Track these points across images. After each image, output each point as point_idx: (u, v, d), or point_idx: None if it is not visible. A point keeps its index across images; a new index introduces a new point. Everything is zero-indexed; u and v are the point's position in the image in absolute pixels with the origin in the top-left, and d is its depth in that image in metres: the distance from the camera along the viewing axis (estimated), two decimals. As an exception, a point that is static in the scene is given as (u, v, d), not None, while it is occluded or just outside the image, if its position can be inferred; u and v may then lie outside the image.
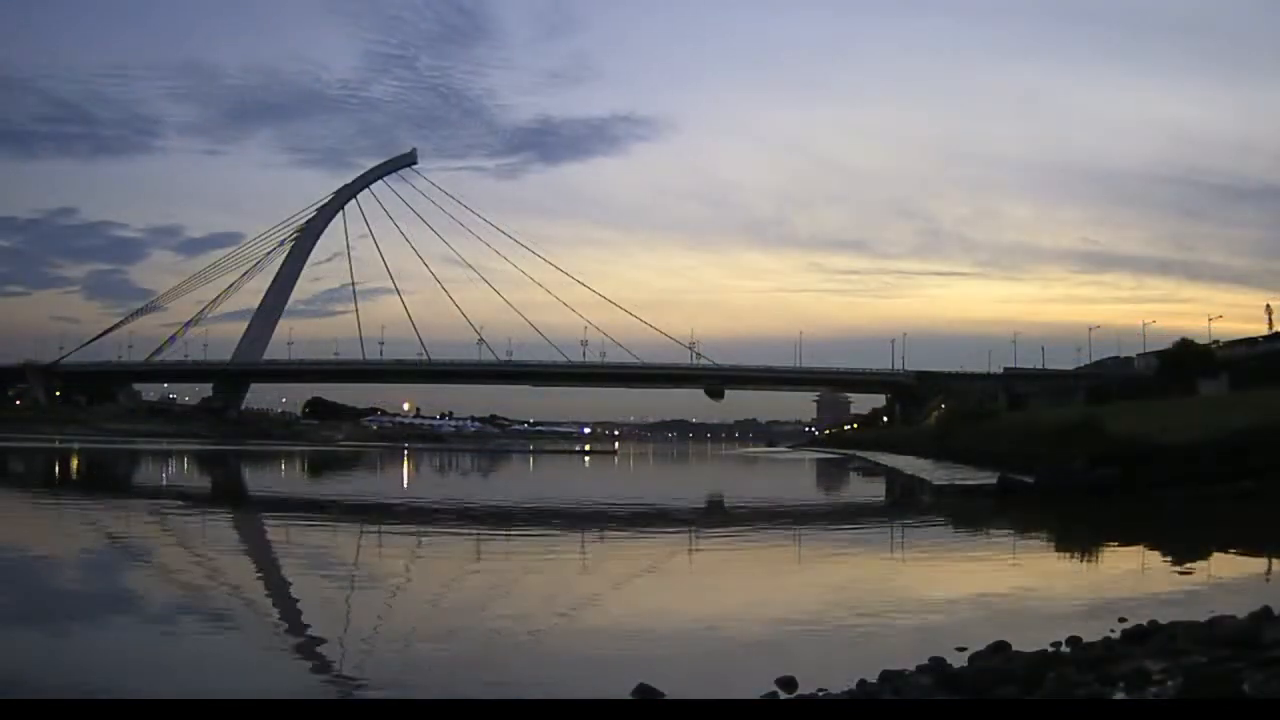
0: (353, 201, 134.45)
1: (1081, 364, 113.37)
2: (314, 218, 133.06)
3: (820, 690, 7.02)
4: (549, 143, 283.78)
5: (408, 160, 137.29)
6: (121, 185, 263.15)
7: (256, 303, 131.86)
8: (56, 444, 74.06)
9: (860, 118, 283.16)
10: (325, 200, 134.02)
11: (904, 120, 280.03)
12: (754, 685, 7.26)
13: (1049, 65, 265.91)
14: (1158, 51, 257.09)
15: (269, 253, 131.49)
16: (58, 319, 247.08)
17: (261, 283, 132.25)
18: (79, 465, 48.87)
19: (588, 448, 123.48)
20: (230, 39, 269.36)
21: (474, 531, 21.09)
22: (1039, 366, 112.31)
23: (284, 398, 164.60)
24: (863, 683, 7.16)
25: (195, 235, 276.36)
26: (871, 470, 54.75)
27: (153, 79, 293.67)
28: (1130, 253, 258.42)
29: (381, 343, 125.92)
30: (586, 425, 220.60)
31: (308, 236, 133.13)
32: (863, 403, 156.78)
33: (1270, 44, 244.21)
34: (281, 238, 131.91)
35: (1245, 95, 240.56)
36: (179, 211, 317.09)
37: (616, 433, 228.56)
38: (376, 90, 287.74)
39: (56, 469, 45.09)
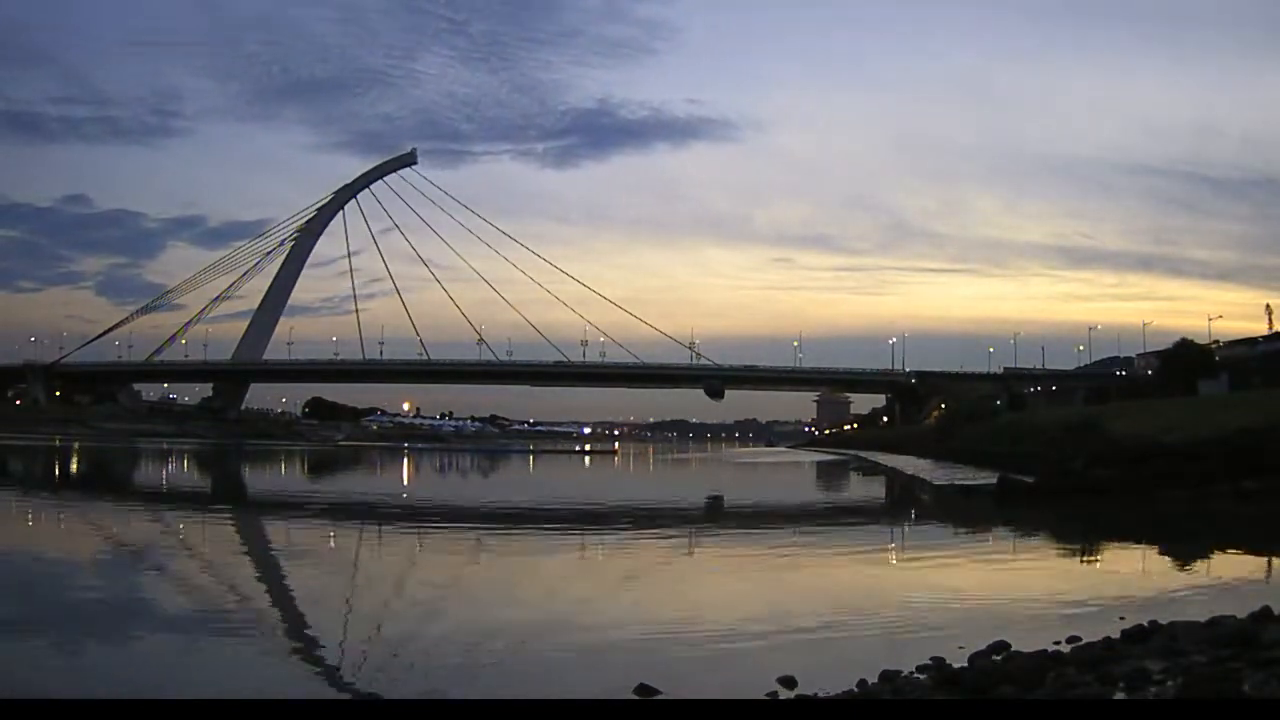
0: (353, 201, 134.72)
1: (1082, 364, 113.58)
2: (314, 218, 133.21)
3: (820, 690, 7.02)
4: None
5: (408, 160, 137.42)
6: (138, 171, 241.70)
7: (257, 302, 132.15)
8: (56, 443, 74.25)
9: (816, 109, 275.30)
10: (325, 200, 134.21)
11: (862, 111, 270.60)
12: (754, 685, 7.26)
13: (1002, 51, 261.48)
14: (1116, 37, 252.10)
15: (269, 253, 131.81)
16: (70, 317, 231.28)
17: (262, 282, 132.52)
18: (78, 464, 48.88)
19: (587, 448, 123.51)
20: (258, 3, 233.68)
21: (474, 531, 21.08)
22: (1039, 366, 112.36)
23: (284, 398, 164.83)
24: (863, 683, 7.16)
25: (216, 226, 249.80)
26: (871, 470, 54.72)
27: (172, 49, 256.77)
28: (1109, 248, 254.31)
29: (381, 343, 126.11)
30: (586, 425, 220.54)
31: (307, 236, 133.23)
32: (863, 403, 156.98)
33: (1230, 29, 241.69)
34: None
35: (1208, 82, 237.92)
36: (200, 200, 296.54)
37: (616, 433, 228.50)
38: (423, 61, 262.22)
39: (56, 468, 45.08)
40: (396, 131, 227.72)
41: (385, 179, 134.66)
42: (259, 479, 42.82)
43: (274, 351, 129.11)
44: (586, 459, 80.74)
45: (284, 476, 45.87)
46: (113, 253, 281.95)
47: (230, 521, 23.43)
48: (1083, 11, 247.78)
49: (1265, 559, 16.07)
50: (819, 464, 69.45)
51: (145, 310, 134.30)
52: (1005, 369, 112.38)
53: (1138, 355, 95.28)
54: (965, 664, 7.46)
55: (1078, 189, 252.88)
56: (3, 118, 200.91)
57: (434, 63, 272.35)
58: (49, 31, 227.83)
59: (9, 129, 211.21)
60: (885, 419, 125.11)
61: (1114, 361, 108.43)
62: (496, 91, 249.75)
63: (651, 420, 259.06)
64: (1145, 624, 8.41)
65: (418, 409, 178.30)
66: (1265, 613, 8.16)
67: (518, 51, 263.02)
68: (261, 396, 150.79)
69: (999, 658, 7.64)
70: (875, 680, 7.20)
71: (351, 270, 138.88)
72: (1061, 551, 18.53)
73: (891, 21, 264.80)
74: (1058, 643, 8.10)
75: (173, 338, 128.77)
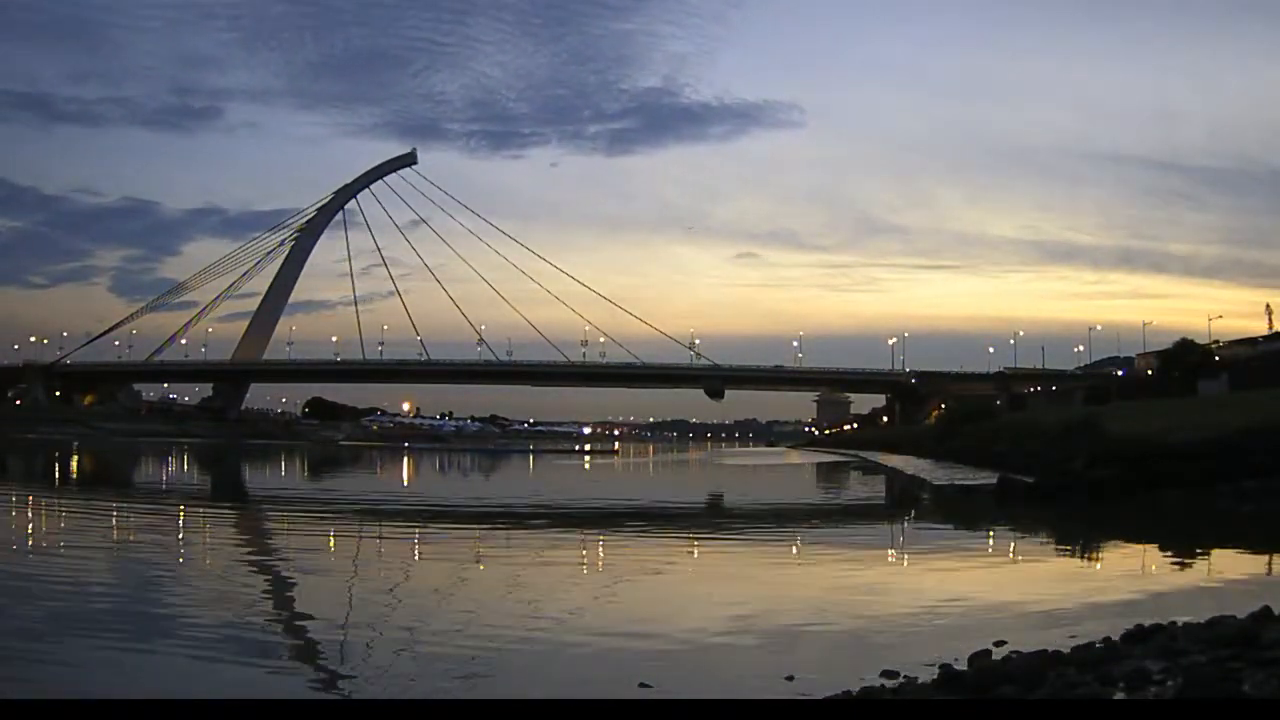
0: (353, 201, 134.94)
1: (1081, 364, 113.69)
2: (314, 217, 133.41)
3: (820, 689, 7.02)
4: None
5: (408, 160, 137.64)
6: (156, 157, 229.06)
7: (258, 301, 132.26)
8: (57, 442, 74.61)
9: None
10: (325, 200, 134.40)
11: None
12: (754, 683, 7.27)
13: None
14: (1076, 23, 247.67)
15: (269, 253, 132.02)
16: (84, 316, 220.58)
17: (265, 281, 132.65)
18: (78, 463, 48.92)
19: (588, 448, 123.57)
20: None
21: (475, 531, 21.09)
22: (1038, 366, 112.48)
23: (284, 398, 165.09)
24: (863, 682, 7.17)
25: (240, 217, 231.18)
26: (872, 470, 54.73)
27: (192, 15, 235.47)
28: (1086, 243, 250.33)
29: (381, 343, 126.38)
30: (586, 425, 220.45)
31: (307, 236, 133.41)
32: (862, 403, 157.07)
33: (1184, 10, 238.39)
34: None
35: (1168, 69, 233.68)
36: (223, 189, 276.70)
37: (616, 433, 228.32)
38: (475, 27, 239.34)
39: (56, 467, 45.12)
40: (442, 112, 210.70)
41: (385, 179, 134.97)
42: (259, 479, 42.80)
43: (274, 351, 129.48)
44: (587, 460, 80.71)
45: (284, 476, 45.85)
46: (129, 246, 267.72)
47: (239, 520, 23.43)
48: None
49: (1265, 559, 16.07)
50: (819, 464, 69.41)
51: (150, 308, 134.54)
52: (1005, 369, 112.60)
53: (1138, 355, 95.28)
54: (965, 664, 7.46)
55: (1054, 183, 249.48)
56: (10, 98, 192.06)
57: (487, 29, 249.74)
58: (60, 9, 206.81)
59: (16, 109, 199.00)
60: (885, 419, 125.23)
61: (1113, 361, 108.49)
62: (551, 63, 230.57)
63: (651, 420, 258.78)
64: (1145, 624, 8.41)
65: (418, 409, 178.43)
66: (1265, 613, 8.14)
67: (578, 17, 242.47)
68: (261, 396, 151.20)
69: (999, 658, 7.65)
70: (875, 680, 7.21)
71: (351, 270, 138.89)
72: (1061, 551, 18.53)
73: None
74: (1058, 642, 8.10)
75: (173, 338, 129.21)
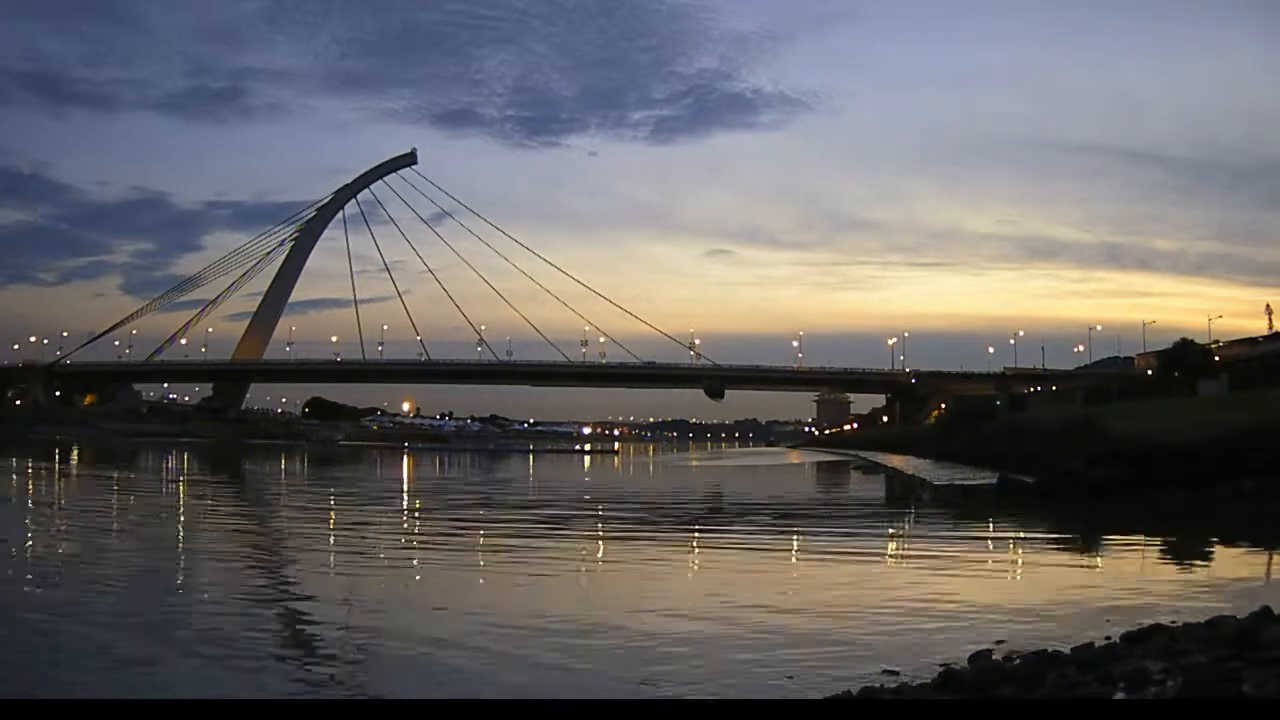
0: (352, 201, 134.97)
1: (1081, 364, 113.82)
2: (314, 218, 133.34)
3: (820, 689, 7.03)
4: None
5: (408, 160, 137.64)
6: (174, 145, 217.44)
7: (260, 300, 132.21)
8: (56, 438, 74.89)
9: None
10: (325, 200, 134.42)
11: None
12: (755, 683, 7.27)
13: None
14: (1036, 9, 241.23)
15: (269, 252, 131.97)
16: (95, 316, 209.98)
17: (265, 282, 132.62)
18: (78, 462, 48.99)
19: (588, 447, 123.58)
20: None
21: (476, 529, 21.08)
22: (1039, 366, 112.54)
23: (284, 398, 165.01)
24: (863, 682, 7.18)
25: (256, 208, 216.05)
26: (872, 470, 54.75)
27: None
28: (1070, 239, 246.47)
29: (381, 343, 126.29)
30: (586, 425, 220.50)
31: (308, 236, 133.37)
32: (863, 403, 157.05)
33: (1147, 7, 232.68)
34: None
35: (1130, 56, 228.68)
36: (242, 180, 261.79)
37: (617, 433, 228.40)
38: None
39: (56, 463, 45.16)
40: (479, 94, 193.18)
41: (386, 179, 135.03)
42: (260, 477, 42.84)
43: (274, 351, 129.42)
44: (588, 459, 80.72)
45: (287, 476, 45.88)
46: (142, 239, 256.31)
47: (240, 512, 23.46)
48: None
49: (1265, 558, 16.09)
50: (819, 464, 69.40)
51: (154, 307, 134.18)
52: (1005, 369, 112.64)
53: (1138, 355, 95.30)
54: (965, 664, 7.47)
55: (1022, 175, 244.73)
56: (16, 78, 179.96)
57: (532, 4, 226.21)
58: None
59: (22, 90, 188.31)
60: (885, 419, 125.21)
61: (1114, 361, 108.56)
62: (601, 39, 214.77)
63: (651, 420, 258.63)
64: (1145, 624, 8.42)
65: (418, 409, 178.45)
66: (1265, 613, 8.15)
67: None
68: (261, 396, 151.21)
69: (999, 658, 7.66)
70: (875, 680, 7.22)
71: (351, 270, 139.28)
72: (1061, 551, 18.53)
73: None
74: (1058, 642, 8.11)
75: (173, 337, 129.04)
